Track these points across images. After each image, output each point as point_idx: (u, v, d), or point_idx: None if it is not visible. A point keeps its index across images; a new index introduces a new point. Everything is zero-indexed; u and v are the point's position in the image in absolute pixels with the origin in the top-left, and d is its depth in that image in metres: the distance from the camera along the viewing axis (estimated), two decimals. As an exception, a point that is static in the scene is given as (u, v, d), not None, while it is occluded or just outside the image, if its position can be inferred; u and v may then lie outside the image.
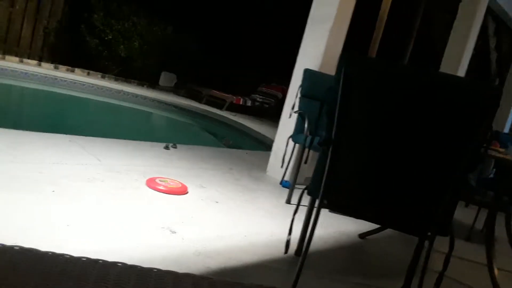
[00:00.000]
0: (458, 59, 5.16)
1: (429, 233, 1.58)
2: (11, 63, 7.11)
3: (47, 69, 7.50)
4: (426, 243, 1.57)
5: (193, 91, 8.79)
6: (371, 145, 1.54)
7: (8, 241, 1.51)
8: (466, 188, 2.96)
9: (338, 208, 1.80)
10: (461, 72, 5.19)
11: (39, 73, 7.16)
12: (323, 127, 1.58)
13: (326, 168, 1.52)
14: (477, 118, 1.45)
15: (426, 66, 1.60)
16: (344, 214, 1.94)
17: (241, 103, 8.49)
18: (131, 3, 8.55)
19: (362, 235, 2.71)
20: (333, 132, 1.48)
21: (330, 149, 1.50)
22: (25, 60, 7.61)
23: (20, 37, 8.28)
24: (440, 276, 1.62)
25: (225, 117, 7.38)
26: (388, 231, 2.70)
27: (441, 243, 1.62)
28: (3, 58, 7.24)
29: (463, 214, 3.75)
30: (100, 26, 8.30)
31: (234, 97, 8.35)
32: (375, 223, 2.01)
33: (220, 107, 8.04)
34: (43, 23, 8.48)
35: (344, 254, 2.47)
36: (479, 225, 3.45)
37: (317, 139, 2.58)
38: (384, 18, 5.54)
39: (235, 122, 7.09)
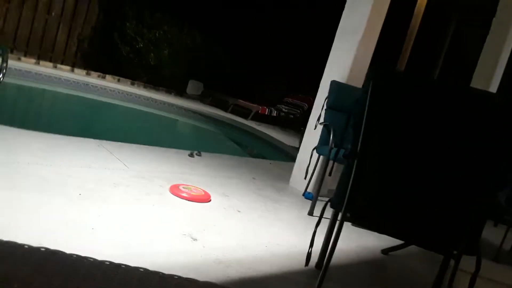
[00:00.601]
0: (490, 75, 5.03)
1: (455, 252, 1.54)
2: (46, 68, 7.36)
3: (79, 75, 7.73)
4: (452, 262, 1.53)
5: (219, 100, 8.87)
6: (397, 160, 1.52)
7: (35, 243, 1.56)
8: (495, 206, 2.87)
9: (361, 222, 1.78)
10: (493, 88, 5.06)
11: (71, 78, 7.39)
12: (349, 139, 1.58)
13: (351, 181, 1.50)
14: (508, 134, 1.41)
15: (456, 81, 1.57)
16: (367, 228, 1.92)
17: (266, 113, 8.51)
18: (163, 12, 8.74)
19: (385, 251, 2.66)
20: (359, 145, 1.47)
21: (355, 162, 1.49)
22: (59, 65, 7.86)
23: (55, 43, 8.57)
24: (466, 297, 1.57)
25: (250, 126, 7.41)
26: (412, 247, 2.63)
27: (468, 263, 1.58)
28: (38, 63, 7.51)
29: (491, 234, 3.63)
30: (132, 34, 8.51)
31: (260, 107, 8.38)
32: (399, 239, 1.97)
33: (245, 116, 8.08)
34: (77, 30, 8.77)
35: (365, 270, 2.43)
36: (508, 245, 3.33)
37: (342, 152, 2.56)
38: (415, 31, 5.48)
39: (260, 132, 7.11)
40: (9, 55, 3.74)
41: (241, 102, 8.52)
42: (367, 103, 1.41)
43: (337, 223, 1.65)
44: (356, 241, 2.67)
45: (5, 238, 1.56)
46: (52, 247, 1.52)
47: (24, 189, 2.12)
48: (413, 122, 1.47)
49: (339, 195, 1.59)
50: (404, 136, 1.49)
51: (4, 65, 3.61)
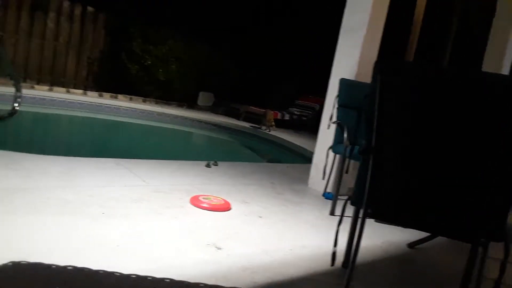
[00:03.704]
0: (500, 57, 4.96)
1: (482, 239, 1.51)
2: (59, 93, 7.51)
3: (92, 97, 7.87)
4: (480, 249, 1.51)
5: (230, 109, 8.92)
6: (414, 150, 1.51)
7: (62, 262, 1.59)
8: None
9: (383, 217, 1.76)
10: (505, 70, 4.98)
11: (85, 101, 7.53)
12: (362, 135, 1.57)
13: (368, 177, 1.50)
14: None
15: (467, 66, 1.56)
16: (391, 223, 1.90)
17: (278, 117, 8.51)
18: (167, 27, 8.85)
19: (411, 245, 2.62)
20: (373, 140, 1.46)
21: (371, 157, 1.48)
22: (71, 90, 8.01)
23: (66, 69, 8.75)
24: (497, 284, 1.54)
25: (264, 132, 7.42)
26: (439, 239, 2.60)
27: (497, 250, 1.55)
28: (51, 90, 7.66)
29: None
30: (139, 53, 8.63)
31: (272, 112, 8.39)
32: (425, 231, 1.95)
33: (258, 122, 8.10)
34: (86, 54, 8.93)
35: (393, 265, 2.41)
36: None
37: (357, 149, 2.55)
38: (420, 20, 5.44)
39: (274, 136, 7.11)
40: (22, 84, 3.83)
41: (252, 108, 8.55)
42: (377, 97, 1.40)
43: (359, 220, 1.64)
44: (380, 237, 2.65)
45: (33, 261, 1.60)
46: (80, 265, 1.55)
47: (47, 213, 2.17)
48: (427, 111, 1.46)
49: (358, 192, 1.58)
50: (419, 125, 1.48)
51: (19, 94, 3.70)
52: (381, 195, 1.59)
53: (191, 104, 9.25)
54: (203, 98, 9.63)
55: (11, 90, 3.74)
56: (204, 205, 2.67)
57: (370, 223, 1.67)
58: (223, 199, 2.83)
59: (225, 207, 2.73)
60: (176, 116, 7.98)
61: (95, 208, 2.33)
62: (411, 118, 1.48)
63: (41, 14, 8.32)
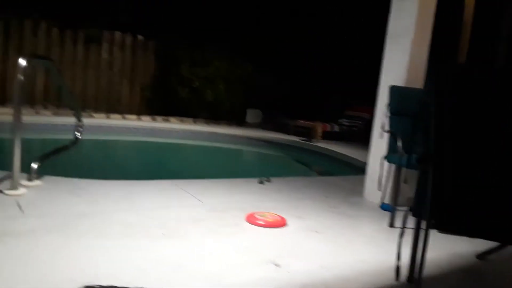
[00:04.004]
0: None
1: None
2: (115, 120, 7.88)
3: (146, 122, 8.19)
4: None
5: (279, 124, 8.95)
6: (478, 157, 1.44)
7: (129, 284, 1.65)
8: None
9: (448, 227, 1.69)
10: None
11: (139, 126, 7.85)
12: (419, 143, 1.52)
13: (429, 186, 1.44)
14: None
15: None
16: (456, 233, 1.81)
17: (328, 129, 8.44)
18: (212, 49, 9.09)
19: (480, 255, 2.48)
20: (432, 148, 1.41)
21: (431, 166, 1.43)
22: (126, 116, 8.39)
23: (120, 96, 9.19)
24: None
25: (315, 145, 7.37)
26: (511, 248, 2.44)
27: None
28: (108, 117, 8.06)
29: None
30: (187, 76, 8.91)
31: (321, 124, 8.33)
32: (494, 240, 1.84)
33: (307, 136, 8.06)
34: (138, 81, 9.35)
35: (462, 278, 2.28)
36: None
37: (414, 157, 2.47)
38: (470, 21, 5.23)
39: (325, 149, 7.04)
40: (81, 113, 4.07)
41: (301, 122, 8.53)
42: (434, 103, 1.36)
43: (422, 231, 1.58)
44: (445, 249, 2.53)
45: (105, 284, 1.67)
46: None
47: (111, 236, 2.26)
48: (489, 115, 1.39)
49: (419, 202, 1.52)
50: (481, 131, 1.41)
51: (79, 123, 3.93)
52: (444, 205, 1.52)
53: (239, 121, 9.39)
54: (251, 115, 9.74)
55: (71, 120, 3.98)
56: (260, 222, 2.68)
57: (432, 233, 1.60)
58: (278, 215, 2.82)
59: (281, 223, 2.72)
60: (226, 135, 8.11)
61: (156, 230, 2.40)
62: (472, 123, 1.42)
63: (95, 46, 8.83)
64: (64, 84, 4.22)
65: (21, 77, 2.73)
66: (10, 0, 7.80)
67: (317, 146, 7.26)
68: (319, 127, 8.24)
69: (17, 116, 2.72)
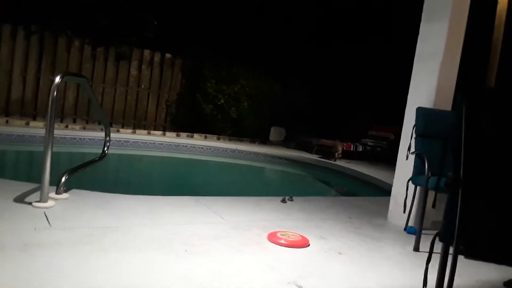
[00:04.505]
0: None
1: None
2: (141, 135, 8.03)
3: (170, 137, 8.31)
4: None
5: (302, 142, 8.93)
6: (509, 183, 1.40)
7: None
8: None
9: (477, 254, 1.64)
10: None
11: (164, 141, 7.97)
12: (449, 167, 1.50)
13: (458, 211, 1.41)
14: None
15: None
16: (485, 260, 1.76)
17: (351, 149, 8.36)
18: (239, 67, 9.21)
19: (508, 283, 2.39)
20: (462, 172, 1.39)
21: (460, 190, 1.40)
22: (152, 131, 8.53)
23: (147, 112, 9.38)
24: None
25: (337, 164, 7.31)
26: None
27: None
28: (134, 132, 8.21)
29: None
30: (213, 93, 9.04)
31: (344, 144, 8.27)
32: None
33: (330, 155, 8.01)
34: (165, 97, 9.54)
35: (491, 307, 2.20)
36: None
37: (443, 181, 2.42)
38: (499, 41, 5.14)
39: (348, 169, 6.97)
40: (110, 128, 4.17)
41: (324, 141, 8.48)
42: (464, 126, 1.34)
43: (449, 257, 1.54)
44: (473, 275, 2.45)
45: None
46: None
47: (135, 250, 2.28)
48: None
49: (447, 227, 1.49)
50: None
51: (107, 138, 4.02)
52: (474, 231, 1.49)
53: (263, 139, 9.41)
54: (275, 133, 9.76)
55: (98, 134, 4.08)
56: (282, 241, 2.66)
57: (460, 259, 1.56)
58: (300, 235, 2.80)
59: (303, 244, 2.69)
60: (249, 152, 8.14)
61: (179, 246, 2.42)
62: (504, 148, 1.39)
63: (125, 63, 9.08)
64: (96, 100, 4.35)
65: (55, 94, 2.82)
66: (46, 18, 8.12)
67: (340, 165, 7.20)
68: (341, 146, 8.18)
69: (50, 131, 2.80)
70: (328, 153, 8.00)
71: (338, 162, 7.46)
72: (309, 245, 2.70)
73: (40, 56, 8.29)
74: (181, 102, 9.64)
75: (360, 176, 6.53)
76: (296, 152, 8.40)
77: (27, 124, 7.27)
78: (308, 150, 8.52)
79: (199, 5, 9.45)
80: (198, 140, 8.45)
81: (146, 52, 9.31)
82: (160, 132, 8.60)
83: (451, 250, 1.56)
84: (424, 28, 3.61)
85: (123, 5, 8.76)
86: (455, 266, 1.49)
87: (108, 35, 8.70)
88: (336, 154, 7.74)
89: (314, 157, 7.94)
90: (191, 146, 8.04)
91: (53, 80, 2.86)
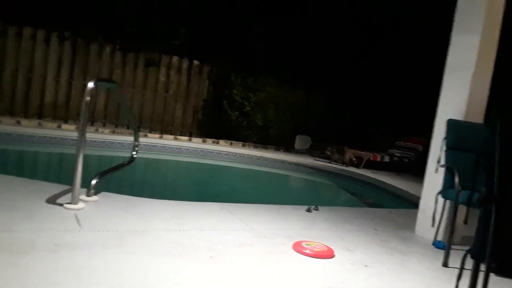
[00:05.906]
0: None
1: None
2: (168, 140, 8.14)
3: (196, 143, 8.40)
4: None
5: (323, 149, 8.86)
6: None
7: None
8: None
9: (508, 272, 1.59)
10: None
11: (190, 147, 8.05)
12: (482, 181, 1.46)
13: (491, 228, 1.38)
14: None
15: None
16: (518, 279, 1.70)
17: (378, 159, 8.24)
18: (265, 75, 9.24)
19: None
20: (495, 188, 1.35)
21: (494, 207, 1.37)
22: (178, 137, 8.64)
23: (174, 118, 9.51)
24: None
25: (364, 175, 7.22)
26: None
27: None
28: (161, 137, 8.34)
29: None
30: (239, 100, 9.10)
31: (371, 154, 8.17)
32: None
33: (357, 165, 7.92)
34: (191, 104, 9.65)
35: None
36: None
37: (476, 196, 2.36)
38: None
39: (375, 179, 6.87)
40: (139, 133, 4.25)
41: (351, 151, 8.39)
42: (499, 144, 1.31)
43: (481, 274, 1.50)
44: (505, 294, 2.37)
45: (153, 302, 1.71)
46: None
47: (161, 254, 2.31)
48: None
49: (479, 244, 1.45)
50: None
51: (136, 143, 4.10)
52: (506, 248, 1.44)
53: (288, 147, 9.40)
54: (300, 141, 9.72)
55: (127, 139, 4.16)
56: (307, 251, 2.64)
57: (492, 277, 1.52)
58: (325, 246, 2.77)
59: (329, 254, 2.67)
60: (274, 160, 8.14)
61: (204, 252, 2.43)
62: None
63: (154, 69, 9.25)
64: (127, 105, 4.45)
65: (88, 99, 2.90)
66: (78, 25, 8.37)
67: (366, 176, 7.10)
68: (370, 157, 8.08)
69: (82, 135, 2.88)
70: (356, 163, 7.94)
71: (364, 172, 7.37)
72: (334, 256, 2.68)
73: (72, 61, 8.54)
74: (207, 109, 9.73)
75: (386, 187, 6.42)
76: (322, 161, 8.34)
77: (59, 127, 7.47)
78: (328, 158, 8.45)
79: (228, 13, 9.56)
80: (223, 147, 8.50)
81: (175, 59, 9.45)
82: (186, 138, 8.70)
83: (482, 267, 1.52)
84: (455, 40, 3.54)
85: (153, 13, 8.95)
86: (487, 284, 1.45)
87: (138, 41, 8.89)
88: (348, 161, 7.74)
89: (339, 166, 7.86)
90: (216, 152, 8.11)
91: (85, 85, 2.94)
